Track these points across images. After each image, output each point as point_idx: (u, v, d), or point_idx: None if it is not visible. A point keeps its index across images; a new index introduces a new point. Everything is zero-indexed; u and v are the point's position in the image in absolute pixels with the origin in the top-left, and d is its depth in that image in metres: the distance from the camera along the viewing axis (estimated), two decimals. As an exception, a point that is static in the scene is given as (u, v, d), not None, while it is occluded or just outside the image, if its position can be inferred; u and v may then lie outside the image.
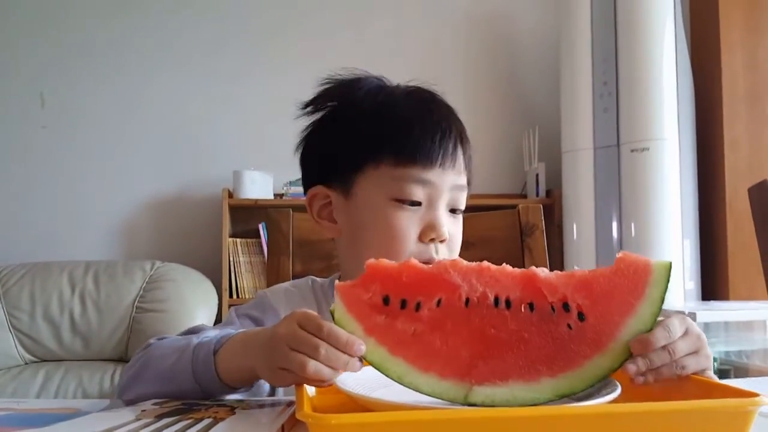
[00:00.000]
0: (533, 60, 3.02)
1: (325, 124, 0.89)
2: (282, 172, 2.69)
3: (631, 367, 0.55)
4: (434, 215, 0.82)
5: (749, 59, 2.67)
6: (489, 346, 0.55)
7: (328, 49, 2.88)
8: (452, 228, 0.85)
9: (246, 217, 2.77)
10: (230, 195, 2.68)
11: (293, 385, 0.58)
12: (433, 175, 0.82)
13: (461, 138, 0.85)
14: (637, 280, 0.55)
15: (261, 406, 0.63)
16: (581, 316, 0.55)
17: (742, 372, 2.20)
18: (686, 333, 0.59)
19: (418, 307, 0.56)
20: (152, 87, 2.88)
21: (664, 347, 0.56)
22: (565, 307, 0.56)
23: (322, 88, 0.90)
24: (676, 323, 0.58)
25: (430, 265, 0.58)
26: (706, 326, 2.17)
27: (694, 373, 0.58)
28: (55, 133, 2.84)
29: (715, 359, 2.23)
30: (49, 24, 2.86)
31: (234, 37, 2.91)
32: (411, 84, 0.90)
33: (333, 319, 0.56)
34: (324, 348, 0.54)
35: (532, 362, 0.54)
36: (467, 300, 0.56)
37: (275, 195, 2.72)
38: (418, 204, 0.82)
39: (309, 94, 0.91)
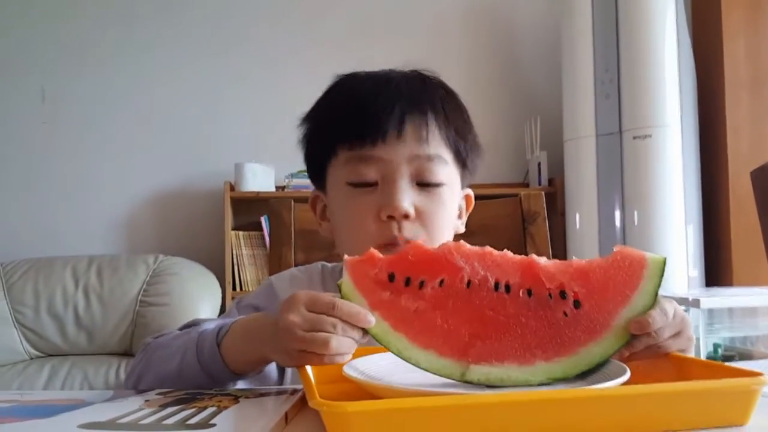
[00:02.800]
0: (534, 48, 3.00)
1: (305, 131, 0.89)
2: (283, 165, 2.68)
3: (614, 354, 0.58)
4: (389, 190, 0.77)
5: (751, 44, 2.65)
6: (487, 326, 0.57)
7: (327, 42, 2.88)
8: (422, 202, 0.79)
9: (248, 209, 2.77)
10: (232, 188, 2.68)
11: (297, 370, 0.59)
12: (384, 151, 0.78)
13: (420, 108, 0.80)
14: (632, 273, 0.57)
15: (265, 394, 0.63)
16: (577, 304, 0.57)
17: (746, 358, 2.20)
18: (674, 315, 0.60)
19: (421, 285, 0.58)
20: (153, 81, 2.87)
21: (650, 333, 0.57)
22: (562, 294, 0.57)
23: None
24: (668, 307, 0.59)
25: (436, 247, 0.60)
26: (710, 313, 2.17)
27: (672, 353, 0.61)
28: (57, 129, 2.84)
29: (719, 345, 2.22)
30: (49, 18, 2.86)
31: (234, 31, 2.90)
32: (398, 69, 0.86)
33: (340, 292, 0.59)
34: (340, 325, 0.57)
35: (528, 346, 0.56)
36: (469, 282, 0.58)
37: (277, 187, 2.72)
38: (374, 184, 0.79)
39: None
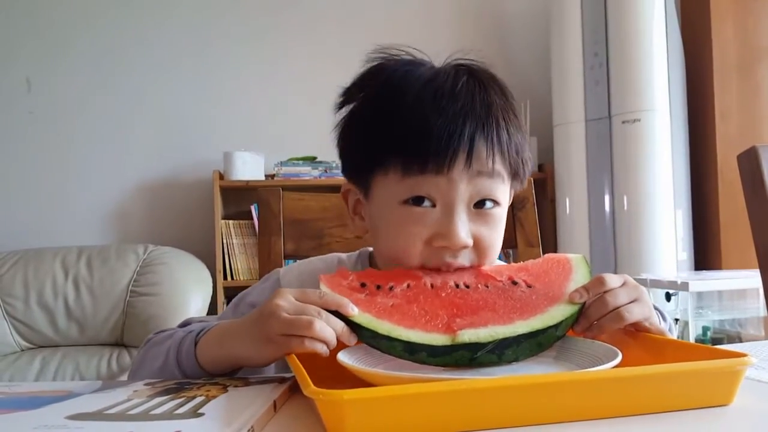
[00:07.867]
0: (523, 33, 3.00)
1: (345, 120, 0.79)
2: (273, 153, 2.67)
3: (575, 328, 0.63)
4: (447, 220, 0.70)
5: (739, 28, 2.65)
6: (461, 309, 0.63)
7: (318, 29, 2.86)
8: (479, 229, 0.71)
9: (238, 198, 2.76)
10: (221, 177, 2.67)
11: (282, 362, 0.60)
12: (447, 175, 0.69)
13: (487, 128, 0.71)
14: (562, 266, 0.68)
15: (253, 383, 0.63)
16: (529, 286, 0.66)
17: (735, 340, 2.22)
18: (624, 284, 0.65)
19: (391, 288, 0.66)
20: (141, 69, 2.85)
21: (602, 299, 0.63)
22: (514, 283, 0.67)
23: (357, 76, 0.79)
24: (613, 276, 0.64)
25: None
26: (699, 296, 2.19)
27: (639, 320, 0.64)
28: (44, 119, 2.82)
29: (708, 328, 2.24)
30: (34, 6, 2.82)
31: (223, 19, 2.88)
32: (449, 61, 0.77)
33: None
34: (324, 314, 0.60)
35: (504, 312, 0.62)
36: (432, 285, 0.67)
37: (267, 176, 2.71)
38: (431, 205, 0.71)
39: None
